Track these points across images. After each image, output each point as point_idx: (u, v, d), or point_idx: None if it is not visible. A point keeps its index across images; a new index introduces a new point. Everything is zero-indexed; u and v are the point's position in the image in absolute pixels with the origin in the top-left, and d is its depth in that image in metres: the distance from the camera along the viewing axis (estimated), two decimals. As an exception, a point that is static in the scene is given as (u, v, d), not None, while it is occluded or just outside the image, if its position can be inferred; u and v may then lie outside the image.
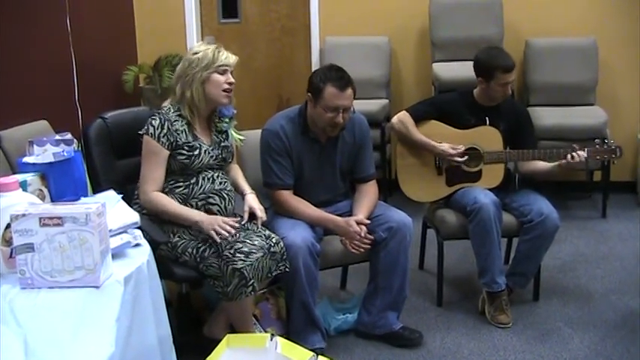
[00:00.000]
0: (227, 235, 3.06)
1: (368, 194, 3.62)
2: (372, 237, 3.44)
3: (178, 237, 3.18)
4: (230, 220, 3.13)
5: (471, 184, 3.92)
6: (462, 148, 3.91)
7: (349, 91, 3.39)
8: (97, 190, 3.18)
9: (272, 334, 2.88)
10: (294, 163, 3.51)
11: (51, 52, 5.28)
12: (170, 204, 3.18)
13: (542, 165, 3.90)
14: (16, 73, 4.84)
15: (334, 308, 3.80)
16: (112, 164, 3.39)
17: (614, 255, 4.76)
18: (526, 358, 3.46)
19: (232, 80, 3.27)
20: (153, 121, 3.19)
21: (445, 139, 3.94)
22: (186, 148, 3.20)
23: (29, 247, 2.13)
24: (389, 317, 3.60)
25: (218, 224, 3.09)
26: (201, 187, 3.23)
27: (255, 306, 3.50)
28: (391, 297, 3.57)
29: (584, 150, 3.70)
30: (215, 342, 2.87)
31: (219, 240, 3.06)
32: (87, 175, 3.15)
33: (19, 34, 4.91)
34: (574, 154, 3.67)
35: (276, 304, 3.60)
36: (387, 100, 5.97)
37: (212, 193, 3.25)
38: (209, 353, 2.76)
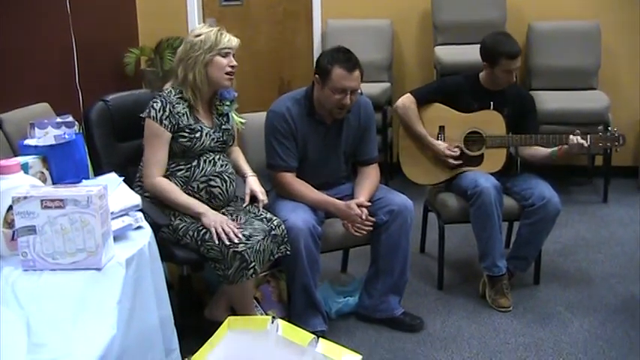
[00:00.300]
0: (227, 242, 3.04)
1: (370, 177, 3.62)
2: (373, 219, 3.44)
3: (179, 219, 3.18)
4: (234, 226, 3.09)
5: (472, 168, 3.92)
6: (457, 152, 3.91)
7: (357, 72, 3.38)
8: (98, 172, 3.17)
9: (273, 317, 2.89)
10: (298, 145, 3.51)
11: (51, 34, 5.26)
12: (173, 191, 3.17)
13: (541, 150, 3.90)
14: (17, 55, 4.83)
15: (335, 291, 3.81)
16: (113, 147, 3.38)
17: (615, 240, 4.77)
18: (526, 342, 3.47)
19: (235, 63, 3.26)
20: (154, 104, 3.18)
21: (448, 122, 3.95)
22: (187, 130, 3.19)
23: (31, 230, 2.13)
24: (390, 301, 3.61)
25: (222, 226, 3.07)
26: (202, 170, 3.22)
27: (256, 289, 3.51)
28: (392, 280, 3.58)
29: (586, 137, 3.69)
30: (216, 324, 2.87)
31: (217, 241, 3.05)
32: (88, 158, 3.15)
33: (19, 17, 4.90)
34: (573, 137, 3.67)
35: (277, 287, 3.61)
36: (388, 84, 5.96)
37: (213, 176, 3.25)
38: (210, 335, 2.77)
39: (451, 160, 3.92)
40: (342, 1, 6.31)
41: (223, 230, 3.05)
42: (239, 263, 3.03)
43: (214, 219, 3.10)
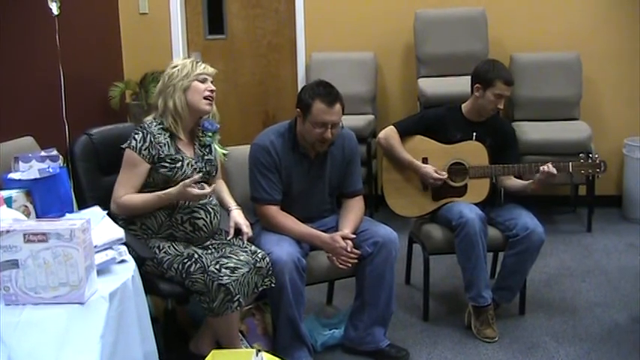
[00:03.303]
0: (201, 192, 3.08)
1: (354, 209, 3.62)
2: (358, 251, 3.44)
3: (164, 253, 3.17)
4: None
5: (456, 199, 3.94)
6: (444, 176, 3.93)
7: (337, 106, 3.40)
8: (82, 206, 3.17)
9: (258, 350, 2.88)
10: (282, 178, 3.51)
11: (40, 69, 5.27)
12: (140, 196, 3.18)
13: (518, 182, 3.95)
14: (5, 90, 4.83)
15: (320, 324, 3.80)
16: (97, 181, 3.38)
17: (600, 269, 4.78)
18: (512, 372, 3.47)
19: (213, 88, 3.31)
20: (135, 135, 3.20)
21: (431, 154, 3.96)
22: (168, 160, 3.20)
23: (13, 264, 2.12)
24: (376, 334, 3.60)
25: (185, 185, 3.08)
26: (186, 202, 3.22)
27: (241, 322, 3.49)
28: (378, 312, 3.57)
29: (558, 165, 3.73)
30: (201, 358, 2.87)
31: (197, 192, 3.08)
32: (72, 192, 3.15)
33: (8, 52, 4.91)
34: (543, 167, 3.71)
35: (262, 320, 3.60)
36: (372, 116, 5.98)
37: (197, 207, 3.24)
38: (195, 369, 2.76)
39: (438, 182, 3.92)
40: (326, 34, 6.35)
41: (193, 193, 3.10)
42: (223, 295, 3.02)
43: (177, 193, 3.11)
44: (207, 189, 3.14)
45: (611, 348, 3.66)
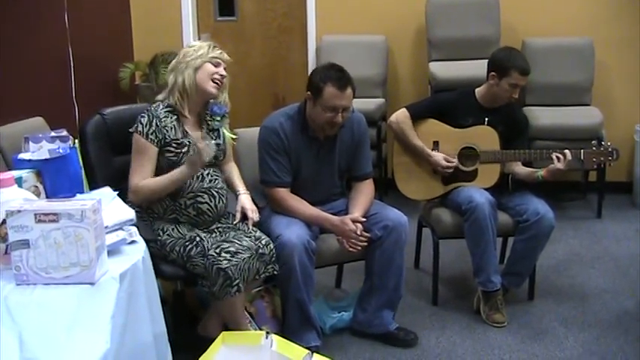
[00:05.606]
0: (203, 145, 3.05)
1: (364, 192, 3.62)
2: (368, 234, 3.43)
3: (167, 235, 3.17)
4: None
5: (466, 184, 3.92)
6: (454, 163, 3.91)
7: (349, 91, 3.38)
8: (93, 186, 3.17)
9: (267, 332, 2.88)
10: (292, 160, 3.50)
11: (49, 49, 5.27)
12: (156, 180, 3.18)
13: (524, 169, 3.95)
14: (14, 70, 4.83)
15: (329, 306, 3.80)
16: (108, 161, 3.38)
17: (609, 255, 4.77)
18: (521, 357, 3.46)
19: (224, 73, 3.31)
20: (142, 119, 3.20)
21: (442, 138, 3.95)
22: (174, 145, 3.20)
23: (24, 244, 2.12)
24: (384, 317, 3.60)
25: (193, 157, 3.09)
26: (189, 186, 3.21)
27: (250, 304, 3.50)
28: (386, 296, 3.57)
29: (579, 151, 3.71)
30: (209, 340, 2.87)
31: (206, 158, 3.06)
32: (83, 172, 3.15)
33: (17, 32, 4.91)
34: (558, 154, 3.69)
35: (271, 303, 3.60)
36: (383, 99, 5.97)
37: (201, 192, 3.24)
38: (203, 351, 2.76)
39: (447, 170, 3.91)
40: (337, 16, 6.33)
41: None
42: (223, 280, 3.02)
43: (188, 164, 3.10)
44: (209, 140, 3.13)
45: (619, 334, 3.65)
